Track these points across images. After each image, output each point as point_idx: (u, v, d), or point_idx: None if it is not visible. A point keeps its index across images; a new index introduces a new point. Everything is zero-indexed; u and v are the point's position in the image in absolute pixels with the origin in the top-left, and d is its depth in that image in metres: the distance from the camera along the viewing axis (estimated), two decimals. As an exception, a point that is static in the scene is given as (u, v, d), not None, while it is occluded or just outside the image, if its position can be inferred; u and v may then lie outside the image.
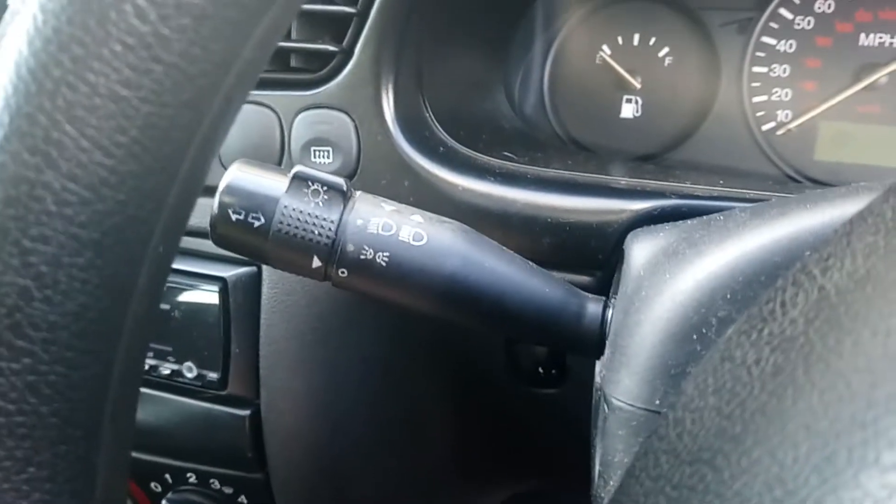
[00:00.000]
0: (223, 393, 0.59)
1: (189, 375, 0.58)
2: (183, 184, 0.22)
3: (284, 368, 0.59)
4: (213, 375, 0.58)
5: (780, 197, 0.33)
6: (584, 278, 0.49)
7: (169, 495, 0.64)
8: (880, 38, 0.61)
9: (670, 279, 0.30)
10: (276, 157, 0.53)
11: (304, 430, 0.61)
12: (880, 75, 0.60)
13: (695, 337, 0.28)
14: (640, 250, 0.34)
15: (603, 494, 0.31)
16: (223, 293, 0.57)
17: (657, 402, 0.29)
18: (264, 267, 0.57)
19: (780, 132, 0.63)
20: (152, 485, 0.64)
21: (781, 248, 0.27)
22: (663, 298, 0.30)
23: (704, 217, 0.34)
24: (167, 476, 0.64)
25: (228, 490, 0.63)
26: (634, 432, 0.30)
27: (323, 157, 0.52)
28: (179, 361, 0.58)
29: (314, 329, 0.57)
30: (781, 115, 0.63)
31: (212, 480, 0.63)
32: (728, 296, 0.28)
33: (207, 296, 0.57)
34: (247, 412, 0.60)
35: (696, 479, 0.20)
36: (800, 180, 0.63)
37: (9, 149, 0.20)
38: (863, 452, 0.16)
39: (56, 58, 0.19)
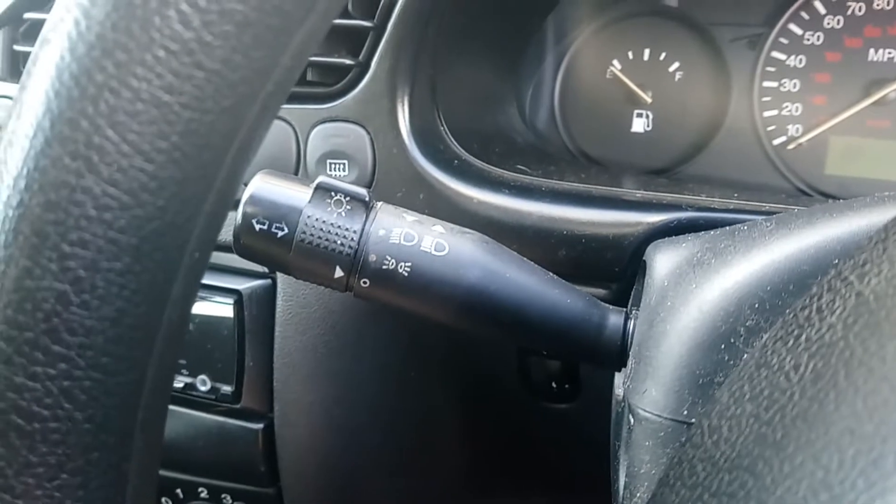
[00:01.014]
0: (237, 406, 0.59)
1: (203, 389, 0.58)
2: (220, 191, 0.23)
3: (298, 381, 0.59)
4: (226, 388, 0.58)
5: (801, 208, 0.33)
6: (600, 291, 0.49)
7: (179, 510, 0.64)
8: (889, 53, 0.61)
9: (696, 289, 0.30)
10: (293, 170, 0.53)
11: (317, 444, 0.61)
12: (890, 90, 0.61)
13: (723, 346, 0.28)
14: (664, 261, 0.34)
15: (629, 506, 0.31)
16: (238, 306, 0.57)
17: (685, 412, 0.29)
18: (279, 280, 0.57)
19: (790, 146, 0.63)
20: (163, 500, 0.64)
21: (809, 256, 0.27)
22: (689, 308, 0.30)
23: (728, 228, 0.34)
24: (178, 491, 0.63)
25: (240, 505, 0.63)
26: (662, 443, 0.30)
27: (339, 169, 0.52)
28: (193, 374, 0.58)
29: (328, 342, 0.57)
30: (792, 129, 0.63)
31: (224, 495, 0.62)
32: (756, 305, 0.28)
33: (222, 308, 0.57)
34: (260, 426, 0.59)
35: (737, 485, 0.20)
36: (811, 194, 0.63)
37: (50, 153, 0.20)
38: (912, 456, 0.16)
39: (100, 63, 0.20)
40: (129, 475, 0.24)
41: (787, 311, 0.22)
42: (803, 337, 0.21)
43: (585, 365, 0.55)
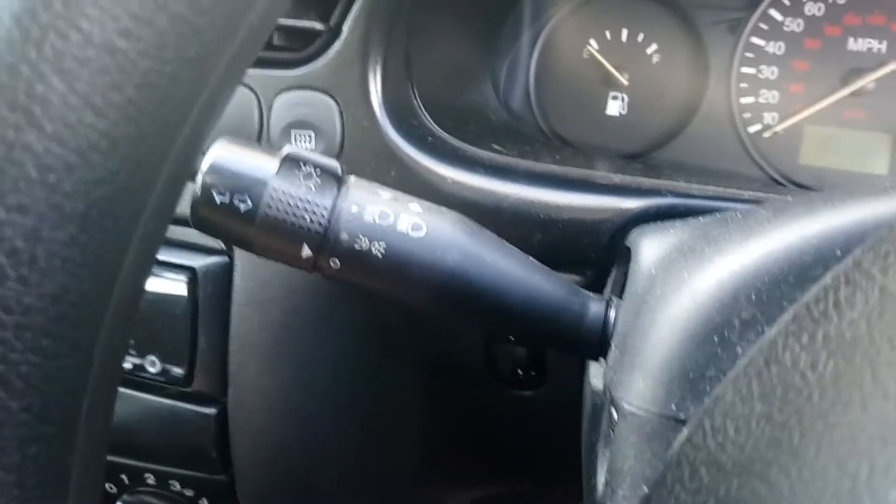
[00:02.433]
0: (188, 390, 0.56)
1: (152, 370, 0.55)
2: (179, 154, 0.20)
3: (255, 364, 0.56)
4: (177, 371, 0.55)
5: (795, 196, 0.32)
6: (575, 277, 0.47)
7: (124, 497, 0.61)
8: (868, 43, 0.61)
9: (689, 277, 0.28)
10: (255, 140, 0.50)
11: (272, 430, 0.58)
12: (867, 80, 0.60)
13: (716, 339, 0.27)
14: (651, 247, 0.33)
15: (610, 503, 0.30)
16: (192, 284, 0.54)
17: (673, 407, 0.28)
18: (237, 257, 0.54)
19: (766, 134, 0.63)
20: (107, 486, 0.61)
21: (812, 247, 0.26)
22: (681, 297, 0.28)
23: (719, 215, 0.33)
24: (123, 476, 0.60)
25: (189, 492, 0.60)
26: (647, 439, 0.28)
27: (304, 140, 0.49)
28: (142, 354, 0.55)
29: (289, 323, 0.54)
30: (768, 117, 0.63)
31: (171, 482, 0.60)
32: (752, 296, 0.27)
33: (175, 286, 0.54)
34: (213, 410, 0.57)
35: (747, 492, 0.18)
36: (784, 184, 0.63)
37: (-16, 104, 0.17)
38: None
39: (46, 0, 0.17)
40: (72, 469, 0.21)
41: (798, 304, 0.21)
42: (820, 333, 0.19)
43: (552, 352, 0.54)
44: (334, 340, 0.56)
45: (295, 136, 0.49)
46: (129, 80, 0.18)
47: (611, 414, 0.31)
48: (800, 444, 0.18)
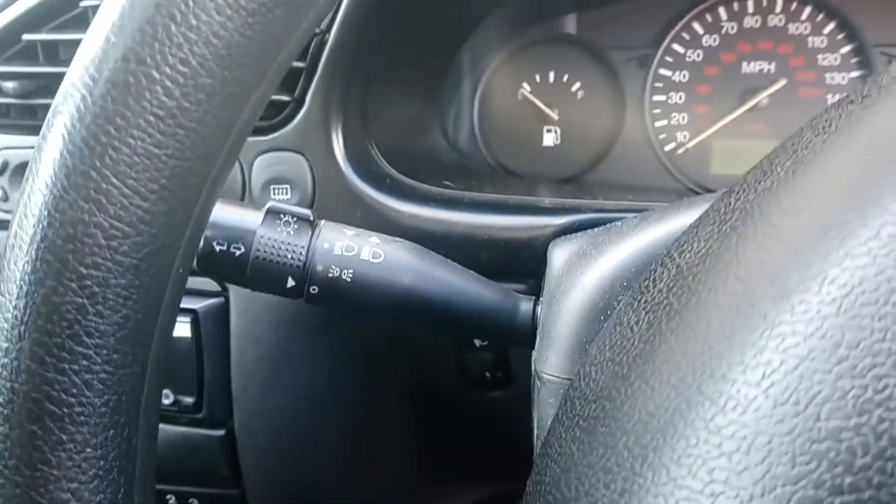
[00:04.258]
0: (198, 416, 0.63)
1: (166, 402, 0.63)
2: (197, 218, 0.29)
3: (254, 389, 0.64)
4: (188, 400, 0.63)
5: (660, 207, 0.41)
6: (520, 286, 0.56)
7: (149, 519, 0.68)
8: (759, 65, 0.71)
9: (581, 275, 0.38)
10: (239, 195, 0.59)
11: (275, 446, 0.66)
12: (761, 97, 0.70)
13: (602, 318, 0.36)
14: (559, 255, 0.42)
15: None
16: (195, 324, 0.62)
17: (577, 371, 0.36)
18: (232, 297, 0.63)
19: (680, 151, 0.72)
20: (134, 509, 0.68)
21: (661, 243, 0.35)
22: (576, 290, 0.37)
23: (609, 225, 0.42)
24: (148, 500, 0.68)
25: (206, 507, 0.68)
26: (561, 398, 0.37)
27: (282, 193, 0.58)
28: (157, 389, 0.63)
29: (280, 351, 0.62)
30: (680, 136, 0.72)
31: (191, 500, 0.67)
32: (624, 284, 0.36)
33: (180, 327, 0.62)
34: (221, 432, 0.64)
35: (599, 409, 0.27)
36: (700, 192, 0.72)
37: (68, 199, 0.26)
38: (702, 371, 0.23)
39: (104, 128, 0.26)
40: (136, 449, 0.30)
41: (635, 282, 0.30)
42: (642, 300, 0.28)
43: (515, 355, 0.63)
44: (322, 362, 0.64)
45: (274, 190, 0.58)
46: (162, 174, 0.27)
47: (537, 385, 0.39)
48: (626, 373, 0.26)
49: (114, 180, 0.26)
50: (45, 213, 0.26)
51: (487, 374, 0.65)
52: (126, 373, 0.28)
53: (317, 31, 0.55)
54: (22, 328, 0.27)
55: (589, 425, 0.27)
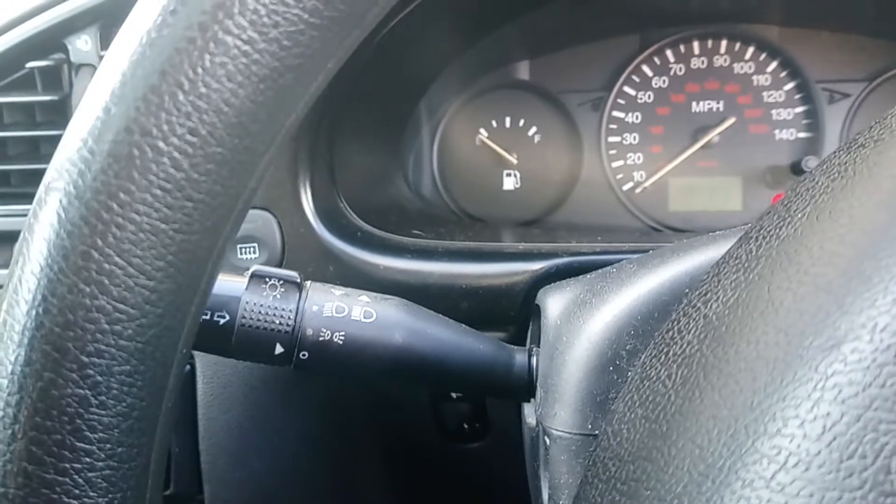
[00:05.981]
0: (166, 493, 0.60)
1: (129, 480, 0.59)
2: (202, 293, 0.27)
3: (224, 459, 0.61)
4: (154, 477, 0.59)
5: (655, 248, 0.41)
6: (500, 333, 0.55)
7: None
8: (708, 104, 0.73)
9: (584, 325, 0.37)
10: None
11: (248, 517, 0.63)
12: (712, 135, 0.72)
13: (611, 368, 0.35)
14: (554, 304, 0.41)
15: (554, 514, 0.37)
16: (158, 394, 0.59)
17: (589, 426, 0.36)
18: (198, 364, 0.60)
19: (638, 190, 0.74)
20: None
21: (666, 289, 0.35)
22: (581, 341, 0.37)
23: (601, 270, 0.42)
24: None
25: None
26: (574, 455, 0.36)
27: (249, 252, 0.56)
28: (120, 467, 0.59)
29: (253, 417, 0.60)
30: (637, 175, 0.74)
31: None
32: (631, 332, 0.35)
33: (143, 398, 0.58)
34: (190, 509, 0.61)
35: (640, 471, 0.26)
36: (660, 229, 0.74)
37: (66, 282, 0.24)
38: (755, 426, 0.23)
39: (106, 204, 0.24)
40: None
41: (657, 334, 0.29)
42: (670, 353, 0.28)
43: (492, 404, 0.62)
44: (294, 426, 0.61)
45: (241, 249, 0.56)
46: (169, 250, 0.25)
47: (545, 442, 0.38)
48: (667, 432, 0.26)
49: (117, 259, 0.24)
50: (40, 298, 0.24)
51: (465, 426, 0.63)
52: (131, 467, 0.26)
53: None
54: (16, 427, 0.24)
55: (630, 489, 0.26)
